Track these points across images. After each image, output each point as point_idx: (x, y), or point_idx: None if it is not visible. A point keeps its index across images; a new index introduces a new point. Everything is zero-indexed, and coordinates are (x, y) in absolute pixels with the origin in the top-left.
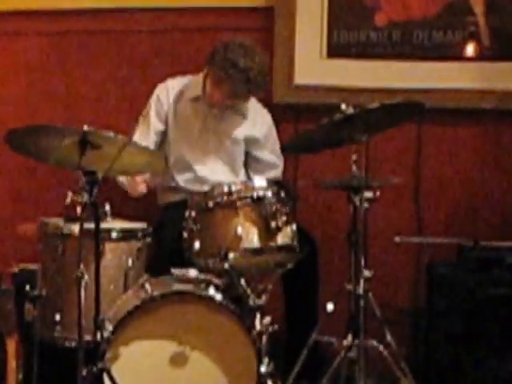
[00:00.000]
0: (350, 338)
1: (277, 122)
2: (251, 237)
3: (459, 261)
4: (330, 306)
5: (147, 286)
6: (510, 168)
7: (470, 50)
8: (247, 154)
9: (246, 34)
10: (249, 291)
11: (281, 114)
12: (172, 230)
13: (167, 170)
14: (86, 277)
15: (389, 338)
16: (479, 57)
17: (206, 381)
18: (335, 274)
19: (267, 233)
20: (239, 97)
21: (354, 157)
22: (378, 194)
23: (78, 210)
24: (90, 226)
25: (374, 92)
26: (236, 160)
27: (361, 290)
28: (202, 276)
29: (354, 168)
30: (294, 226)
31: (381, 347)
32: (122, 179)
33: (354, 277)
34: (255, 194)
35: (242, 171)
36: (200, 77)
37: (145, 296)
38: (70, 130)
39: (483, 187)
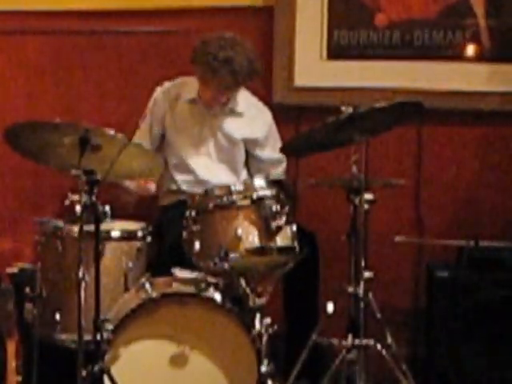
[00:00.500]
0: (350, 338)
1: (277, 123)
2: (251, 237)
3: (459, 262)
4: (329, 307)
5: (147, 286)
6: (510, 169)
7: (470, 50)
8: (248, 155)
9: (246, 34)
10: (249, 292)
11: (281, 115)
12: (172, 230)
13: (166, 172)
14: (86, 277)
15: (389, 338)
16: (479, 58)
17: (205, 381)
18: (335, 275)
19: (267, 233)
20: (229, 89)
21: (354, 157)
22: (377, 194)
23: (78, 210)
24: (90, 226)
25: (374, 93)
26: (236, 161)
27: (361, 291)
28: (202, 276)
29: (354, 169)
30: (294, 227)
31: (381, 348)
32: (128, 183)
33: (354, 277)
34: (255, 195)
35: (244, 172)
36: (196, 79)
37: (145, 296)
38: (70, 126)
39: (483, 188)
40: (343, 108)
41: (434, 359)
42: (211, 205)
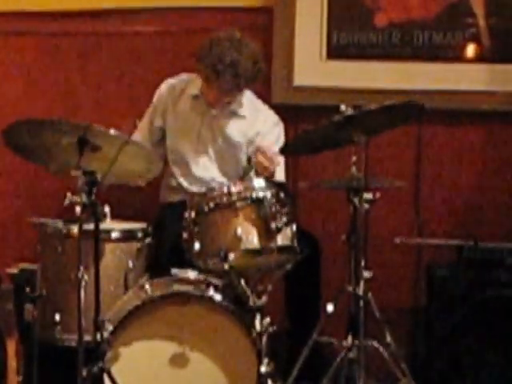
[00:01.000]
0: (350, 338)
1: None
2: (251, 237)
3: (459, 262)
4: (329, 307)
5: (147, 286)
6: (509, 169)
7: (470, 51)
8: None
9: (246, 34)
10: (249, 292)
11: (280, 116)
12: (172, 230)
13: (166, 167)
14: (86, 277)
15: (389, 338)
16: (479, 58)
17: (206, 381)
18: (335, 275)
19: (267, 233)
20: (232, 91)
21: (353, 158)
22: (377, 195)
23: (78, 210)
24: (90, 226)
25: (373, 93)
26: (228, 163)
27: (361, 291)
28: (202, 277)
29: (354, 169)
30: (294, 227)
31: (381, 348)
32: None
33: (354, 278)
34: (255, 195)
35: (238, 176)
36: (199, 77)
37: (145, 296)
38: (69, 125)
39: (483, 188)
40: (343, 108)
41: (434, 359)
42: (211, 205)
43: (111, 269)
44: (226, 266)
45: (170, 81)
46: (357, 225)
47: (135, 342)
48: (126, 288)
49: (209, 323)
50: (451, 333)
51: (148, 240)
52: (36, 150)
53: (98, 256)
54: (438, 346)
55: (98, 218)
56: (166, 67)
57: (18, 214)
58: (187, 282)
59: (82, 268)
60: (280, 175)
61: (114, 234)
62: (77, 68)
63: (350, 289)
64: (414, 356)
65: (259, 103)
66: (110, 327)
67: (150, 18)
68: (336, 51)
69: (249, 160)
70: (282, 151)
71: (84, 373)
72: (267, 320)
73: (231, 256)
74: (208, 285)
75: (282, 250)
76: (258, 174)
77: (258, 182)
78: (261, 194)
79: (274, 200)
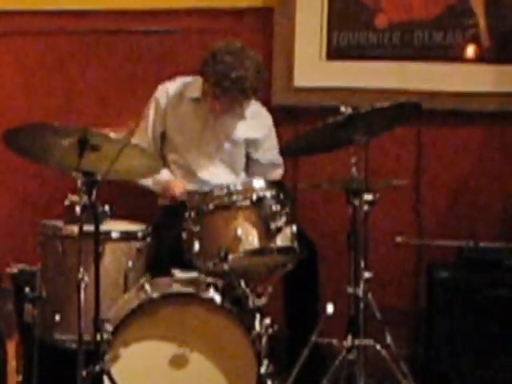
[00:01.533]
0: (349, 339)
1: (276, 124)
2: (251, 238)
3: (459, 262)
4: (329, 307)
5: (147, 287)
6: (509, 170)
7: (470, 51)
8: (248, 157)
9: (246, 35)
10: (248, 292)
11: (280, 116)
12: (171, 231)
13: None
14: (86, 278)
15: (389, 339)
16: (479, 58)
17: (205, 382)
18: (335, 276)
19: (267, 234)
20: (239, 104)
21: (353, 159)
22: (377, 195)
23: (78, 211)
24: (90, 227)
25: (373, 93)
26: (236, 162)
27: (361, 292)
28: (202, 277)
29: (354, 170)
30: (294, 227)
31: (380, 348)
32: (152, 181)
33: (353, 278)
34: (255, 196)
35: (243, 174)
36: (200, 79)
37: (145, 297)
38: (69, 129)
39: (483, 189)
40: (343, 109)
41: (434, 359)
42: (211, 205)
43: (111, 269)
44: (226, 267)
45: (167, 85)
46: (356, 225)
47: (135, 343)
48: (126, 288)
49: (208, 324)
50: (451, 333)
51: (148, 240)
52: (36, 152)
53: (97, 256)
54: (438, 346)
55: (98, 218)
56: (166, 67)
57: (18, 214)
58: (187, 282)
59: (81, 268)
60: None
61: (114, 235)
62: (77, 68)
63: (350, 289)
64: (415, 357)
65: (255, 103)
66: (110, 328)
67: (150, 18)
68: (336, 52)
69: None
70: (282, 152)
71: (84, 373)
72: (267, 321)
73: (231, 256)
74: (208, 285)
75: (281, 250)
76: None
77: (258, 183)
78: (261, 195)
79: (274, 200)
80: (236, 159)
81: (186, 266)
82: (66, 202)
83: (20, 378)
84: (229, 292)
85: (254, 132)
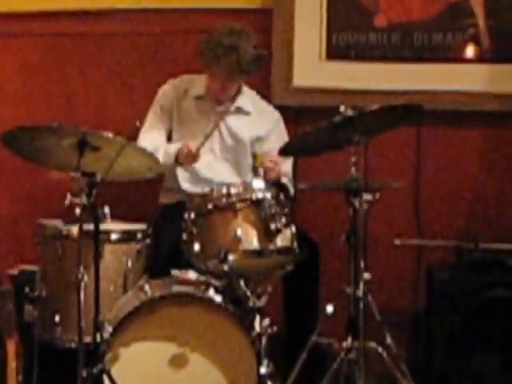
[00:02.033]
0: (349, 339)
1: None
2: (250, 239)
3: (459, 263)
4: (329, 308)
5: (147, 287)
6: (510, 170)
7: (469, 51)
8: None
9: None
10: (248, 293)
11: None
12: (171, 231)
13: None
14: (86, 278)
15: (388, 339)
16: (479, 59)
17: (205, 382)
18: (335, 277)
19: (266, 235)
20: (235, 76)
21: (353, 159)
22: (377, 196)
23: (77, 211)
24: (90, 227)
25: (373, 94)
26: (241, 161)
27: (360, 293)
28: (202, 278)
29: (353, 170)
30: (294, 228)
31: (380, 349)
32: (163, 156)
33: (353, 279)
34: (254, 196)
35: (250, 175)
36: (203, 77)
37: (144, 297)
38: (68, 129)
39: (483, 189)
40: (342, 109)
41: (434, 360)
42: (210, 206)
43: (111, 270)
44: (226, 267)
45: (174, 81)
46: (356, 226)
47: (135, 343)
48: (126, 289)
49: (208, 324)
50: (451, 334)
51: (147, 241)
52: (36, 153)
53: (97, 257)
54: (438, 347)
55: (98, 218)
56: (166, 67)
57: (18, 215)
58: (187, 282)
59: (81, 269)
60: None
61: (114, 235)
62: (77, 68)
63: (350, 290)
64: (414, 358)
65: (261, 101)
66: (110, 328)
67: (150, 18)
68: (335, 52)
69: (254, 157)
70: (282, 152)
71: (84, 373)
72: (267, 321)
73: (231, 257)
74: (208, 286)
75: (281, 251)
76: (265, 178)
77: (258, 184)
78: (260, 195)
79: (274, 201)
80: (240, 158)
81: (186, 266)
82: (66, 203)
83: (20, 377)
84: (228, 292)
85: (259, 129)
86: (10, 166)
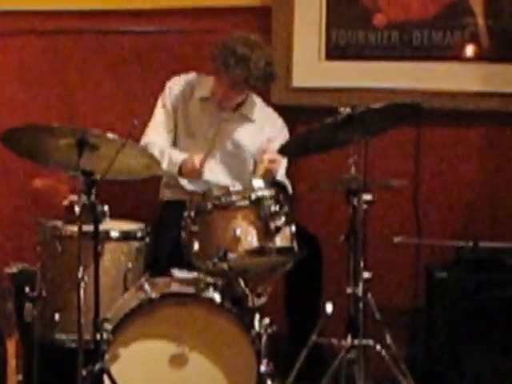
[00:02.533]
0: (349, 338)
1: None
2: (250, 238)
3: (458, 262)
4: (328, 307)
5: (146, 286)
6: (509, 169)
7: (469, 50)
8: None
9: None
10: (248, 292)
11: None
12: (171, 230)
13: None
14: (86, 277)
15: (388, 338)
16: (478, 58)
17: (205, 381)
18: (334, 276)
19: (266, 234)
20: (240, 87)
21: (352, 158)
22: (376, 195)
23: (77, 210)
24: (89, 226)
25: (372, 93)
26: (237, 167)
27: (360, 291)
28: (202, 277)
29: (353, 170)
30: (293, 227)
31: (380, 348)
32: (167, 164)
33: (353, 278)
34: (254, 195)
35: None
36: (210, 78)
37: (144, 297)
38: (67, 129)
39: (482, 188)
40: (341, 109)
41: (433, 359)
42: (210, 205)
43: (111, 269)
44: (225, 266)
45: (181, 78)
46: (356, 225)
47: (134, 342)
48: (126, 288)
49: (208, 323)
50: (451, 333)
51: (147, 240)
52: (35, 152)
53: (97, 256)
54: (437, 346)
55: (98, 218)
56: (166, 67)
57: (18, 214)
58: (186, 282)
59: (81, 268)
60: (281, 174)
61: (114, 234)
62: (76, 68)
63: (349, 289)
64: (414, 357)
65: (269, 110)
66: (110, 327)
67: (150, 18)
68: (335, 51)
69: (255, 166)
70: (282, 152)
71: (84, 373)
72: (266, 320)
73: (230, 256)
74: (207, 285)
75: (280, 250)
76: (260, 175)
77: (257, 183)
78: (260, 195)
79: (273, 200)
80: (237, 164)
81: (186, 265)
82: (66, 202)
83: (20, 377)
84: (228, 292)
85: (261, 136)
86: (10, 165)
